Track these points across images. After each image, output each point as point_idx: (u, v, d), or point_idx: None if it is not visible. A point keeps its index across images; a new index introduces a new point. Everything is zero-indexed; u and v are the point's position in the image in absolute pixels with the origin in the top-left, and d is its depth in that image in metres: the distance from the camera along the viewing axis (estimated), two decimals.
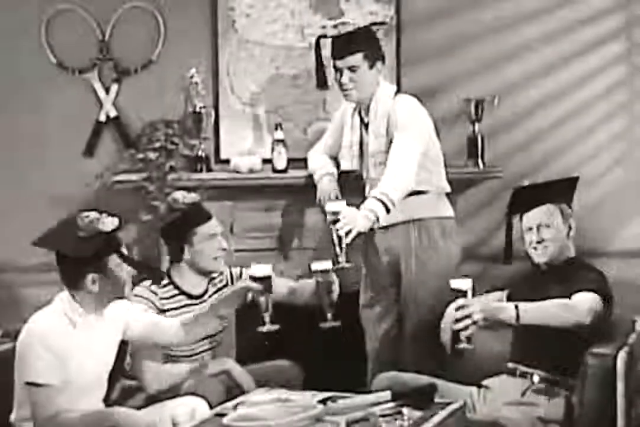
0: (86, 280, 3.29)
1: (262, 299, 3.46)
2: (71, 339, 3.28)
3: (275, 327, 3.48)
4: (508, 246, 3.90)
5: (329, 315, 3.52)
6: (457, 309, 3.34)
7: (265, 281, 3.45)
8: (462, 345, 3.38)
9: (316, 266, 3.55)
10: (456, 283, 3.38)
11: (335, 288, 3.57)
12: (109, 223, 3.30)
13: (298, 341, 4.70)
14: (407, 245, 4.09)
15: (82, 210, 3.34)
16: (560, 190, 3.85)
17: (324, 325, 3.51)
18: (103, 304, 3.38)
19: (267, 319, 3.47)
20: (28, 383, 3.22)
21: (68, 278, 3.33)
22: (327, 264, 3.54)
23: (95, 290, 3.31)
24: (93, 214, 3.30)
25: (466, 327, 3.33)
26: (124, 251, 3.37)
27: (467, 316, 3.32)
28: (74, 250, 3.27)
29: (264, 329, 3.47)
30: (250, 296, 3.53)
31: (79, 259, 3.28)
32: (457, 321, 3.34)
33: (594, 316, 3.44)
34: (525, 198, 3.83)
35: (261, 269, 3.47)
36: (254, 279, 3.47)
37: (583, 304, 3.45)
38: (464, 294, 3.36)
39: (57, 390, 3.22)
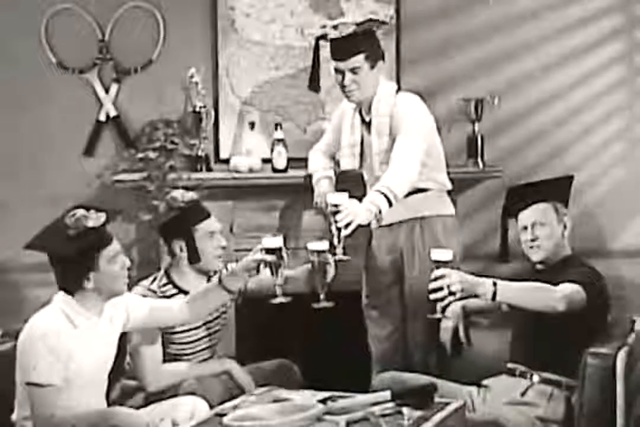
0: (81, 278, 3.29)
1: (274, 270, 3.46)
2: (71, 339, 3.28)
3: (288, 299, 3.47)
4: (503, 245, 3.92)
5: (322, 295, 3.48)
6: (436, 279, 3.34)
7: (277, 252, 3.46)
8: (437, 315, 3.40)
9: (313, 245, 3.50)
10: (437, 254, 3.38)
11: (330, 269, 3.54)
12: (95, 219, 3.29)
13: (299, 341, 4.71)
14: (410, 243, 4.09)
15: (70, 209, 3.34)
16: (554, 189, 3.86)
17: (317, 305, 3.48)
18: (101, 301, 3.38)
19: (279, 291, 3.47)
20: (29, 383, 3.23)
21: (63, 278, 3.33)
22: (323, 245, 3.51)
23: (91, 287, 3.31)
24: (80, 212, 3.29)
25: (443, 298, 3.34)
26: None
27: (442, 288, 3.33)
28: (63, 249, 3.27)
29: (277, 301, 3.46)
30: (262, 266, 3.51)
31: (71, 258, 3.28)
32: (435, 291, 3.34)
33: (569, 304, 3.43)
34: (519, 197, 3.85)
35: (273, 241, 3.47)
36: (266, 250, 3.47)
37: (560, 291, 3.46)
38: (444, 265, 3.36)
39: (58, 390, 3.23)
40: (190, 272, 3.86)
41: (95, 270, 3.30)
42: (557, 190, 3.85)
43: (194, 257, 3.81)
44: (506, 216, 3.91)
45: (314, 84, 4.13)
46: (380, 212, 3.70)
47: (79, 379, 3.29)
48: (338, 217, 3.57)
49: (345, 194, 3.67)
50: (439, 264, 3.36)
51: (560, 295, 3.44)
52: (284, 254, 3.48)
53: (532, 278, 3.63)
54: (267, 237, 3.51)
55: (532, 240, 3.75)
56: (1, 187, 4.82)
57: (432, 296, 3.35)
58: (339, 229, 3.58)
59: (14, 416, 3.34)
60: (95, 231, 3.29)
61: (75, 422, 3.20)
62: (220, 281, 3.58)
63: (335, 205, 3.61)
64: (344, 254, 3.58)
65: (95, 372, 3.37)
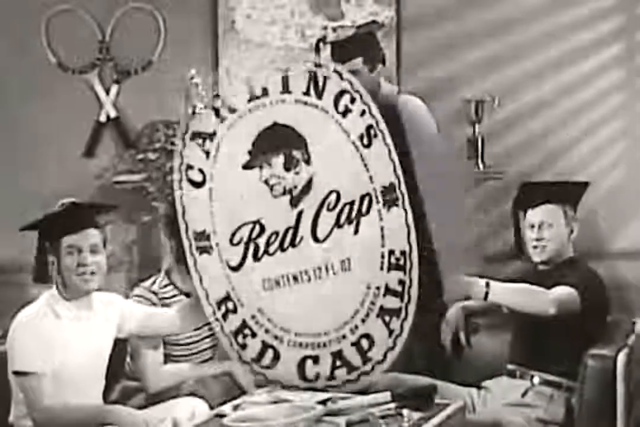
0: (48, 265, 3.32)
1: None
2: (58, 331, 3.27)
3: None
4: (517, 240, 3.90)
5: None
6: None
7: None
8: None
9: None
10: None
11: None
12: (57, 206, 3.35)
13: None
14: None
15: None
16: (567, 192, 3.86)
17: None
18: (79, 291, 3.34)
19: None
20: (17, 373, 3.21)
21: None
22: None
23: (58, 275, 3.32)
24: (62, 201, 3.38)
25: None
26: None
27: None
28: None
29: None
30: None
31: (41, 245, 3.33)
32: None
33: (561, 307, 3.43)
34: (532, 194, 3.84)
35: None
36: None
37: (552, 294, 3.46)
38: None
39: (48, 379, 3.21)
40: None
41: (58, 258, 3.32)
42: (570, 194, 3.85)
43: (180, 257, 3.81)
44: (517, 212, 3.89)
45: None
46: None
47: (70, 374, 3.26)
48: None
49: None
50: None
51: (552, 298, 3.44)
52: None
53: (531, 279, 3.64)
54: None
55: (537, 240, 3.75)
56: (1, 188, 4.82)
57: None
58: None
59: (10, 417, 3.33)
60: (55, 218, 3.31)
61: (70, 415, 3.19)
62: None
63: None
64: None
65: (86, 368, 3.34)
